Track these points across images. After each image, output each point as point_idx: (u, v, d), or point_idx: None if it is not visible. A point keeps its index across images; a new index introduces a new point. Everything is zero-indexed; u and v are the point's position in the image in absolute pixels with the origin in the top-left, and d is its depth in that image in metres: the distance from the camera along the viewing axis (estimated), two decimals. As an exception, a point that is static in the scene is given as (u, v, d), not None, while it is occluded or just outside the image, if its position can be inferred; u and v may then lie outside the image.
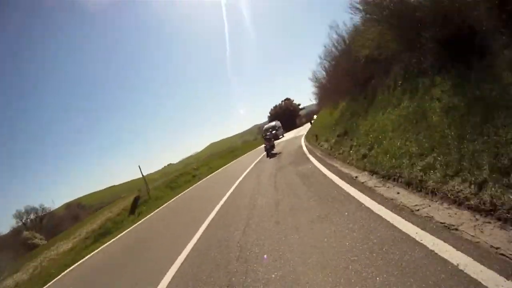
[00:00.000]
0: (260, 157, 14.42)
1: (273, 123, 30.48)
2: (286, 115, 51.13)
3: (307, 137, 16.53)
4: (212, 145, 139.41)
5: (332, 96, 16.32)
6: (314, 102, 30.45)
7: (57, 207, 57.57)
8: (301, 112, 56.83)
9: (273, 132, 26.12)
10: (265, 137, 15.75)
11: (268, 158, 12.59)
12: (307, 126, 33.25)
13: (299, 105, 57.01)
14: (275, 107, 56.17)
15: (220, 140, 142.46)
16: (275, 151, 14.60)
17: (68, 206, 57.60)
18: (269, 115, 55.14)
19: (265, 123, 44.19)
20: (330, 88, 16.56)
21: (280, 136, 27.38)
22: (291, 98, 57.42)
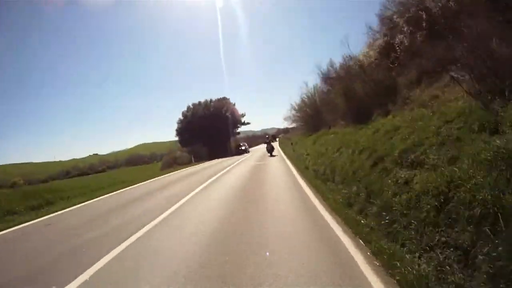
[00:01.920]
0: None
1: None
2: (215, 126, 30.24)
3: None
4: (143, 146, 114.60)
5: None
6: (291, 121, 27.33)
7: None
8: (239, 130, 38.63)
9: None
10: (266, 140, 21.07)
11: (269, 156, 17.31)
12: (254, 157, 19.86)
13: (243, 115, 36.80)
14: (198, 104, 33.17)
15: (152, 143, 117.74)
16: (274, 153, 18.56)
17: None
18: (181, 118, 32.83)
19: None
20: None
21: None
22: (231, 101, 35.04)
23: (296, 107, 26.11)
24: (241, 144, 29.93)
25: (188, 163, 22.95)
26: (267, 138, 22.55)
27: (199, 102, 34.12)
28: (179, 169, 18.86)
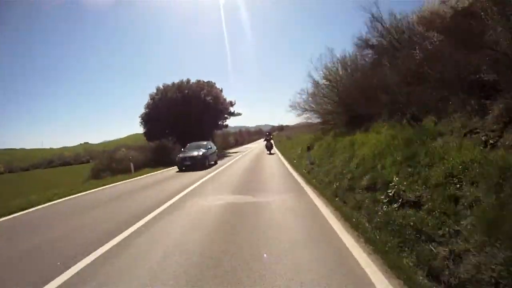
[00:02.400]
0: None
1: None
2: (191, 114, 21.61)
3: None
4: (134, 136, 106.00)
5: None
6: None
7: None
8: (228, 122, 28.74)
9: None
10: (266, 138, 21.54)
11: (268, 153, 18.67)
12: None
13: (232, 103, 27.32)
14: (171, 86, 24.04)
15: (143, 133, 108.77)
16: (272, 151, 19.50)
17: None
18: (149, 102, 23.64)
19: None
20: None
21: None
22: (218, 86, 26.07)
23: (314, 89, 16.06)
24: (201, 144, 15.55)
25: (126, 172, 13.67)
26: (267, 135, 22.84)
27: (173, 83, 24.45)
28: (89, 189, 9.66)
